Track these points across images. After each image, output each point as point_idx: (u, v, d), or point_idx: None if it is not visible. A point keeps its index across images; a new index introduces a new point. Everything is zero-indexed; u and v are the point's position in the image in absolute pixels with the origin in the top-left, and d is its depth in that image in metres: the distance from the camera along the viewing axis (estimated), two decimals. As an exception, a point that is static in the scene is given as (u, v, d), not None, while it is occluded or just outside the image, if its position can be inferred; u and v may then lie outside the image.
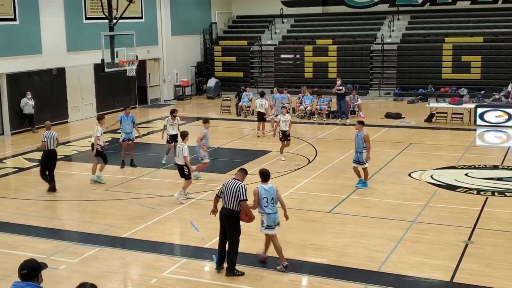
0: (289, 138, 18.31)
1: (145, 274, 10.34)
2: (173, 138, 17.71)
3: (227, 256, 10.16)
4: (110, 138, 21.70)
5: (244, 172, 10.45)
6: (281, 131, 18.23)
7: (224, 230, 10.17)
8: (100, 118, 16.51)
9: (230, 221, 10.07)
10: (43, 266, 5.70)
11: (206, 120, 16.56)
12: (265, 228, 10.26)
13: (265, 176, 10.43)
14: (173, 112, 17.97)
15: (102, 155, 16.19)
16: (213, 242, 10.76)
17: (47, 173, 15.41)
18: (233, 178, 10.21)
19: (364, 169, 14.95)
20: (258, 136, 22.17)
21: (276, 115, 22.21)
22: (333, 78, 30.98)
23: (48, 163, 15.39)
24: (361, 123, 15.14)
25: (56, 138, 15.43)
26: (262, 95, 23.20)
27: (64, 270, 10.46)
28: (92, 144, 16.19)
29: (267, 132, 22.35)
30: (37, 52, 24.47)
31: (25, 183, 16.59)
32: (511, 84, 26.67)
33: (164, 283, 9.93)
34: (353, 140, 15.25)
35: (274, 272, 10.18)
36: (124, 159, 17.75)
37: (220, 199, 10.21)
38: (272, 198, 10.26)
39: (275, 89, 25.04)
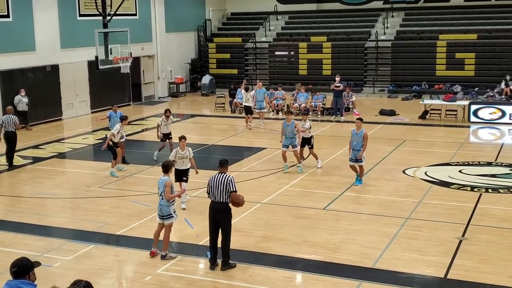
0: (309, 146, 16.77)
1: (140, 271, 10.34)
2: (166, 137, 17.72)
3: (222, 250, 10.20)
4: (105, 136, 21.68)
5: (226, 162, 10.56)
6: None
7: (215, 226, 10.20)
8: (122, 119, 17.03)
9: (224, 215, 10.13)
10: (35, 264, 5.67)
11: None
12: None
13: (163, 167, 10.92)
14: (166, 112, 17.90)
15: (112, 151, 16.55)
16: (207, 239, 10.73)
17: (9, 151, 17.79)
18: (218, 172, 10.24)
19: (361, 167, 14.99)
20: (250, 129, 22.85)
21: (259, 108, 23.66)
22: (327, 75, 31.16)
23: (7, 142, 17.66)
24: (361, 120, 15.14)
25: (15, 123, 17.55)
26: (247, 89, 23.83)
27: (58, 268, 10.44)
28: (106, 137, 16.92)
29: (261, 124, 23.25)
30: (31, 49, 24.38)
31: (19, 180, 16.54)
32: (504, 81, 26.75)
33: (159, 280, 9.93)
34: (346, 137, 15.26)
35: (268, 269, 10.20)
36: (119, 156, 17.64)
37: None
38: (163, 190, 10.58)
39: (259, 83, 25.16)
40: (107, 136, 16.79)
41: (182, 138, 13.66)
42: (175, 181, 13.13)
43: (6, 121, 17.61)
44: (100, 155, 19.19)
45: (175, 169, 13.12)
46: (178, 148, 13.54)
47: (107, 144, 16.46)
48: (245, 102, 23.47)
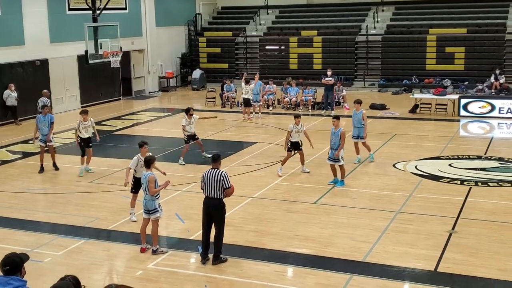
0: (301, 148, 15.80)
1: (130, 266, 10.33)
2: (191, 137, 17.07)
3: (215, 244, 10.21)
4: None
5: (219, 157, 10.47)
6: (292, 142, 15.60)
7: (209, 221, 10.20)
8: (81, 113, 16.34)
9: (218, 210, 10.14)
10: (24, 258, 5.63)
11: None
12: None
13: (145, 162, 10.88)
14: (188, 111, 17.00)
15: (81, 147, 16.18)
16: (199, 233, 10.75)
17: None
18: (211, 168, 10.21)
19: (341, 167, 14.61)
20: (244, 120, 23.30)
21: (255, 101, 23.81)
22: (318, 70, 31.18)
23: None
24: (338, 118, 14.91)
25: (46, 105, 19.14)
26: (246, 82, 24.00)
27: (49, 263, 10.41)
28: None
29: (253, 117, 23.69)
30: (20, 44, 24.21)
31: (9, 175, 16.46)
32: (494, 75, 26.87)
33: (150, 275, 9.93)
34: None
35: (259, 263, 10.22)
36: (42, 164, 16.60)
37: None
38: (146, 186, 10.55)
39: (256, 76, 25.27)
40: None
41: (144, 144, 12.17)
42: (134, 192, 12.32)
43: (40, 103, 20.03)
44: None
45: (136, 178, 12.16)
46: (140, 154, 12.04)
47: (77, 141, 16.19)
48: (244, 95, 23.70)
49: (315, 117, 23.75)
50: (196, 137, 17.17)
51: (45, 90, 20.94)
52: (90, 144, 16.25)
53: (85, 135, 16.09)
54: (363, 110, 16.54)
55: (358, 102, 16.63)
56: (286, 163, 15.79)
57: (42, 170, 16.56)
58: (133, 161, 12.12)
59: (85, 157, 16.19)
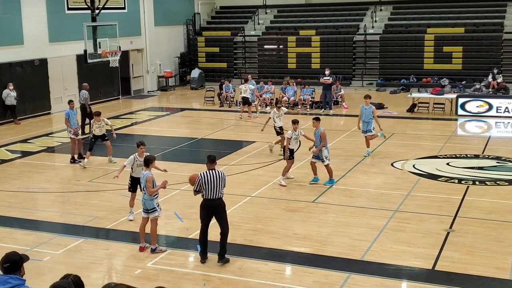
0: (293, 156, 15.02)
1: (129, 265, 10.37)
2: (281, 130, 17.62)
3: (222, 244, 10.17)
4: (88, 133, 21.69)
5: (215, 158, 10.46)
6: (289, 149, 14.88)
7: (209, 222, 10.22)
8: (94, 114, 17.23)
9: (223, 209, 10.19)
10: (25, 258, 5.66)
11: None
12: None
13: (144, 161, 10.96)
14: (277, 103, 18.31)
15: (90, 142, 17.16)
16: (197, 232, 10.77)
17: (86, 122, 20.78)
18: (210, 169, 10.13)
19: (326, 166, 14.60)
20: (240, 118, 23.47)
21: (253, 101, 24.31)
22: (316, 69, 31.21)
23: (82, 113, 20.79)
24: (317, 119, 14.92)
25: (85, 97, 20.69)
26: (245, 80, 24.17)
27: (48, 262, 10.45)
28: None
29: (253, 116, 23.74)
30: (19, 43, 24.22)
31: (8, 174, 16.48)
32: (491, 74, 26.94)
33: (149, 273, 9.96)
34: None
35: (257, 262, 10.26)
36: (80, 152, 17.73)
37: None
38: (145, 185, 10.59)
39: (249, 77, 25.42)
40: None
41: (141, 144, 12.14)
42: (132, 191, 12.34)
43: (81, 96, 20.94)
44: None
45: (132, 177, 12.21)
46: (137, 154, 12.08)
47: (92, 135, 17.12)
48: (243, 94, 23.84)
49: (313, 116, 23.76)
50: (282, 132, 17.58)
51: (84, 83, 21.45)
52: (106, 138, 17.12)
53: (99, 133, 16.99)
54: (372, 106, 17.23)
55: (368, 97, 17.34)
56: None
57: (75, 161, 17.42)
58: (129, 159, 12.23)
59: (89, 153, 17.02)
